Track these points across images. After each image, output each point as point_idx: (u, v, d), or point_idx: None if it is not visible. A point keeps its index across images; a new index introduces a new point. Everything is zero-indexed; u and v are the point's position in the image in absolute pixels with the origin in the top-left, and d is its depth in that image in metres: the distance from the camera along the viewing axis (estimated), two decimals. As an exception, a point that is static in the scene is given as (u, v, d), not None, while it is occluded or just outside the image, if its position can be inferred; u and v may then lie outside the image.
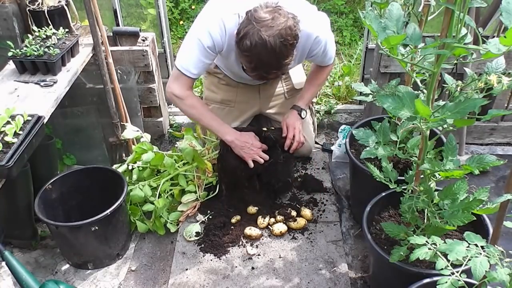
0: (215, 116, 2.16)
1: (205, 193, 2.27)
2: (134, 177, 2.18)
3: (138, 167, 2.21)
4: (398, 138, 1.70)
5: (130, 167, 2.22)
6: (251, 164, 2.13)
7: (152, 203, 2.14)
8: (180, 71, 1.99)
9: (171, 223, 2.16)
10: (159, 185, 2.18)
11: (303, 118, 2.26)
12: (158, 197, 2.16)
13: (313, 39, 1.96)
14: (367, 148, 1.64)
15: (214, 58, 2.02)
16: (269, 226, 2.14)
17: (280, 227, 2.11)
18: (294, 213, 2.17)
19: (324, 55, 2.09)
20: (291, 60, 1.82)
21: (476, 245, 1.23)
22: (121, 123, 2.41)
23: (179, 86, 2.04)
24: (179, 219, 2.18)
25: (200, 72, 2.03)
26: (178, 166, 2.27)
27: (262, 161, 2.14)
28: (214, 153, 2.30)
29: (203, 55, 1.94)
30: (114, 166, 2.23)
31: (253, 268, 1.98)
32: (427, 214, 1.51)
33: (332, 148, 2.61)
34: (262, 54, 1.70)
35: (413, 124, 1.33)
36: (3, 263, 1.67)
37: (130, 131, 2.27)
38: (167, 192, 2.21)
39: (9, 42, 2.05)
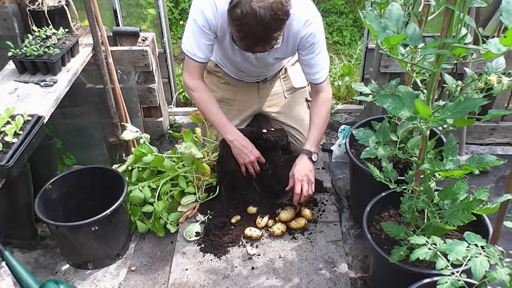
0: (221, 113, 2.16)
1: (205, 195, 2.27)
2: (134, 178, 2.18)
3: (137, 167, 2.21)
4: (398, 138, 1.70)
5: (129, 168, 2.22)
6: (243, 170, 2.14)
7: (151, 204, 2.14)
8: (188, 56, 2.05)
9: (171, 224, 2.16)
10: (159, 186, 2.18)
11: (314, 162, 2.15)
12: (158, 199, 2.16)
13: (303, 22, 1.96)
14: (367, 148, 1.64)
15: (213, 39, 2.04)
16: (268, 226, 2.14)
17: (280, 227, 2.11)
18: (294, 213, 2.17)
19: (310, 50, 2.04)
20: (279, 35, 1.84)
21: (476, 245, 1.23)
22: (121, 123, 2.41)
23: (189, 74, 2.10)
24: (179, 220, 2.18)
25: (205, 55, 2.05)
26: (178, 168, 2.27)
27: (253, 172, 2.15)
28: (214, 155, 2.29)
29: (201, 36, 1.98)
30: (114, 166, 2.23)
31: (253, 268, 1.98)
32: (427, 214, 1.51)
33: (332, 148, 2.61)
34: (251, 24, 1.72)
35: (413, 124, 1.33)
36: (3, 263, 1.67)
37: (130, 132, 2.27)
38: (167, 194, 2.21)
39: (9, 42, 2.04)
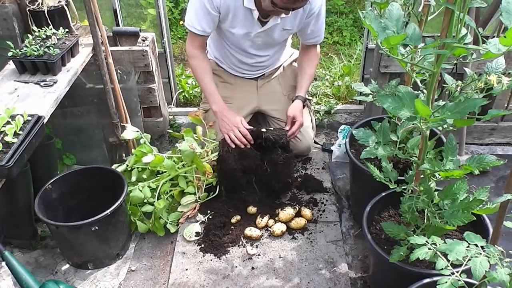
0: (213, 83, 2.30)
1: (205, 194, 2.27)
2: (133, 178, 2.19)
3: (137, 167, 2.21)
4: (398, 138, 1.71)
5: (129, 168, 2.22)
6: (227, 139, 2.19)
7: (151, 204, 2.14)
8: (188, 28, 2.20)
9: (171, 224, 2.16)
10: (159, 186, 2.18)
11: (304, 106, 2.43)
12: (158, 199, 2.16)
13: None
14: (367, 148, 1.65)
15: (216, 15, 2.12)
16: (268, 226, 2.14)
17: (280, 227, 2.11)
18: (294, 213, 2.17)
19: (317, 20, 2.23)
20: None
21: (476, 245, 1.23)
22: (121, 123, 2.41)
23: (189, 43, 2.26)
24: (179, 221, 2.18)
25: (204, 28, 2.17)
26: (178, 168, 2.27)
27: (235, 139, 2.18)
28: (213, 155, 2.30)
29: (203, 11, 2.10)
30: (114, 166, 2.23)
31: (253, 268, 1.98)
32: (427, 214, 1.51)
33: (332, 148, 2.61)
34: None
35: (413, 124, 1.33)
36: (3, 263, 1.67)
37: (130, 132, 2.27)
38: (167, 193, 2.21)
39: (9, 42, 2.04)
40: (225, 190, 2.26)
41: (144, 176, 2.23)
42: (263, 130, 2.23)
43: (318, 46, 2.43)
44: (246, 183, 2.24)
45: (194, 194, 2.24)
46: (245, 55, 2.34)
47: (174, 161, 2.27)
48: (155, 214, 2.13)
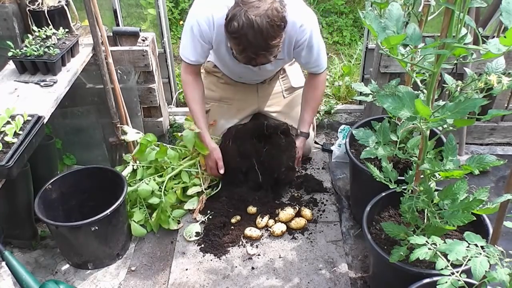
0: (202, 116, 2.23)
1: (209, 191, 2.30)
2: (138, 176, 2.23)
3: (142, 166, 2.23)
4: (398, 138, 1.70)
5: (134, 167, 2.27)
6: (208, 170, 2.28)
7: (158, 197, 2.16)
8: (181, 58, 2.16)
9: (173, 219, 2.17)
10: (164, 181, 2.21)
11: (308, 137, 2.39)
12: (164, 194, 2.18)
13: (298, 27, 1.97)
14: (367, 148, 1.64)
15: (208, 47, 2.09)
16: (268, 226, 2.14)
17: (280, 227, 2.11)
18: (294, 213, 2.17)
19: (309, 51, 2.08)
20: (279, 43, 1.84)
21: (476, 245, 1.23)
22: (121, 123, 2.41)
23: (183, 70, 2.20)
24: (193, 216, 2.21)
25: (198, 59, 2.13)
26: (181, 164, 2.29)
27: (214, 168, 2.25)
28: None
29: (194, 43, 2.06)
30: (118, 169, 2.25)
31: (253, 268, 1.98)
32: (427, 214, 1.51)
33: (332, 148, 2.61)
34: (249, 35, 1.73)
35: (413, 124, 1.33)
36: (3, 263, 1.67)
37: (132, 134, 2.29)
38: (172, 188, 2.25)
39: (9, 42, 2.04)
40: (225, 179, 2.30)
41: (149, 174, 2.27)
42: (265, 122, 2.33)
43: (324, 74, 2.27)
44: (248, 168, 2.25)
45: (200, 185, 2.26)
46: (243, 75, 2.33)
47: (177, 152, 2.33)
48: (161, 208, 2.14)
